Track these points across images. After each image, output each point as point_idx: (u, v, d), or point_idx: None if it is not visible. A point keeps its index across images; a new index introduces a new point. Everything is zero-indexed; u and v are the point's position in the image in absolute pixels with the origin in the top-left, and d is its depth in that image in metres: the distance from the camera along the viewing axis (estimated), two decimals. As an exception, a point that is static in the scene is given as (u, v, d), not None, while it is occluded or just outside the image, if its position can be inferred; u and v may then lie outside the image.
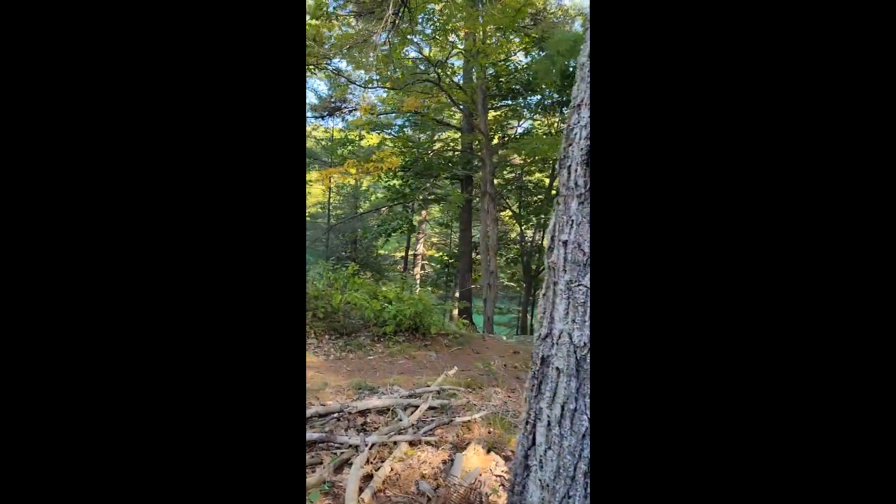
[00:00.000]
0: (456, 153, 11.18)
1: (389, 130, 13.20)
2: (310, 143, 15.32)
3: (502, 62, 7.54)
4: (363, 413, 3.12)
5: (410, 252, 19.74)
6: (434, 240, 22.98)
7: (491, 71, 8.01)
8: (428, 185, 11.50)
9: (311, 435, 2.57)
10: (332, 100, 11.72)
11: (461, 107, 8.90)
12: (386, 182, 11.31)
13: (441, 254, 20.91)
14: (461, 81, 8.79)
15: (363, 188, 17.15)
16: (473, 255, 12.94)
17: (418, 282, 16.84)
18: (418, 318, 5.18)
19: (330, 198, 13.87)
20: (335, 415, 3.03)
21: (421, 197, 11.56)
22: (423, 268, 20.16)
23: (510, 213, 14.29)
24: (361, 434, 2.72)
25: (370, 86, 9.29)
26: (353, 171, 7.14)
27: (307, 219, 15.98)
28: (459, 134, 13.13)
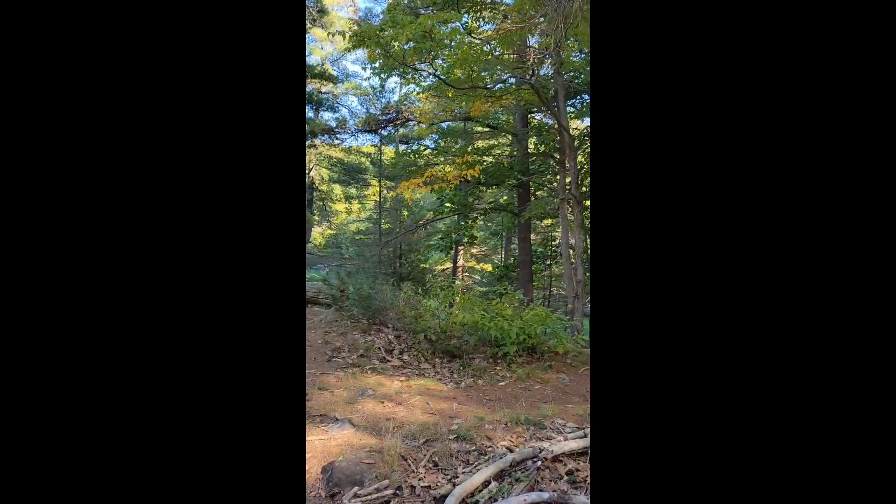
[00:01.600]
0: (512, 159, 10.69)
1: (425, 142, 12.94)
2: (359, 159, 15.14)
3: (583, 56, 7.03)
4: (557, 459, 2.59)
5: (449, 264, 19.28)
6: (473, 251, 22.28)
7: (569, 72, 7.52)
8: (487, 194, 11.04)
9: (538, 496, 2.06)
10: (382, 113, 11.47)
11: (537, 109, 8.45)
12: (441, 193, 10.88)
13: (488, 266, 20.35)
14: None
15: (405, 199, 16.90)
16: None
17: (458, 295, 16.34)
18: (536, 338, 4.64)
19: (381, 213, 13.59)
20: (530, 461, 2.51)
21: (479, 207, 11.08)
22: (463, 280, 19.62)
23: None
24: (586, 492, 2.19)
25: (434, 90, 8.92)
26: (434, 180, 6.71)
27: (359, 237, 15.72)
28: (509, 139, 12.79)
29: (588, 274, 7.91)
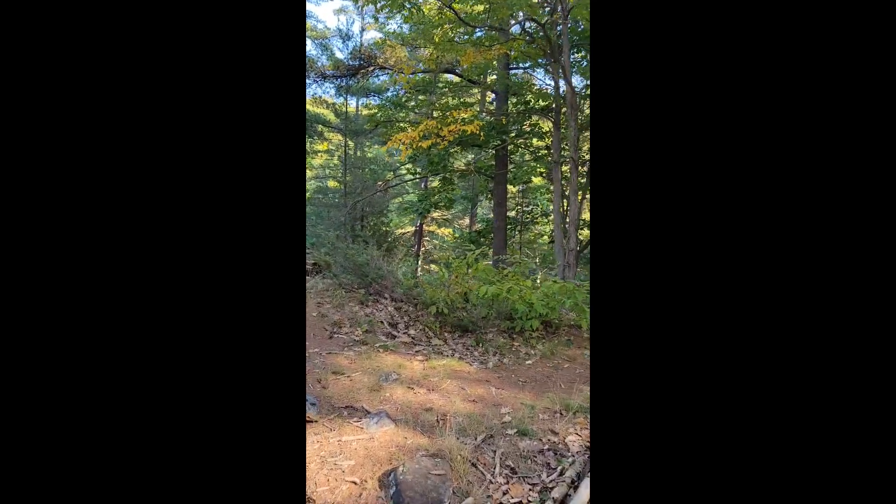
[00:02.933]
0: (497, 118, 10.09)
1: (386, 95, 11.82)
2: (320, 109, 13.79)
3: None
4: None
5: (411, 228, 18.70)
6: (435, 215, 21.68)
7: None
8: (471, 156, 10.43)
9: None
10: (355, 57, 10.31)
11: (541, 61, 7.83)
12: (419, 151, 10.16)
13: (448, 231, 19.91)
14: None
15: (370, 156, 15.81)
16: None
17: (419, 260, 15.90)
18: (557, 312, 4.32)
19: (346, 171, 12.55)
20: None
21: (456, 169, 10.47)
22: (424, 245, 19.09)
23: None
24: None
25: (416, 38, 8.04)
26: (434, 133, 5.99)
27: (319, 195, 14.60)
28: (481, 97, 12.07)
29: (580, 240, 7.69)
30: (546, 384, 3.38)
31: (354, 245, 5.13)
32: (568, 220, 7.16)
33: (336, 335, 3.93)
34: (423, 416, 2.64)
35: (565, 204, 7.65)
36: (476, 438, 2.40)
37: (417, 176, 11.20)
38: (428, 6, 6.44)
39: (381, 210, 14.99)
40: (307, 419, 2.44)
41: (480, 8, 6.91)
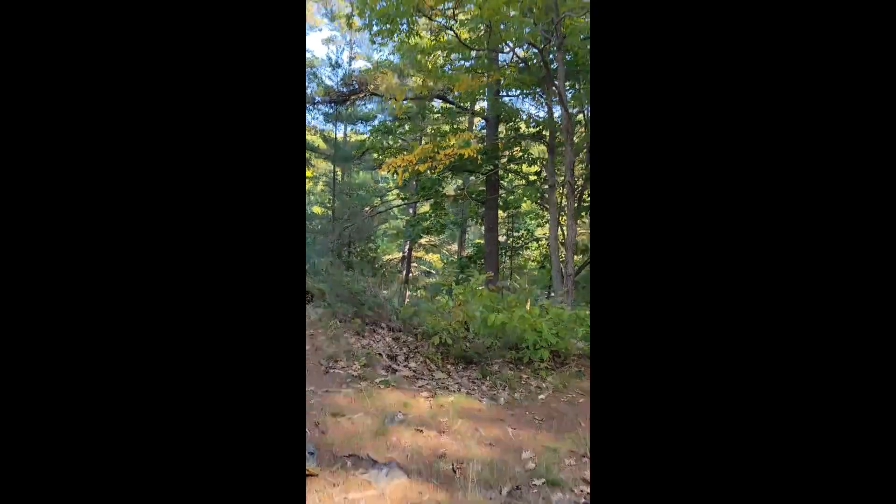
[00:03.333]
0: (488, 143, 10.05)
1: (373, 122, 11.76)
2: (309, 136, 13.66)
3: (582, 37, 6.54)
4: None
5: (398, 254, 18.43)
6: (423, 241, 21.41)
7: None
8: (462, 181, 10.33)
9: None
10: (345, 84, 10.26)
11: (533, 87, 7.85)
12: (409, 177, 10.03)
13: (436, 256, 19.65)
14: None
15: (357, 182, 15.63)
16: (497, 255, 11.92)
17: (404, 285, 15.58)
18: (566, 340, 4.09)
19: (335, 196, 12.34)
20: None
21: (451, 194, 10.35)
22: (411, 271, 18.69)
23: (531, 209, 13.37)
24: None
25: (409, 68, 8.02)
26: (429, 158, 5.85)
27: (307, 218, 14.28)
28: (470, 122, 12.11)
29: (578, 267, 7.55)
30: (564, 422, 3.11)
31: (349, 272, 4.86)
32: (565, 244, 7.03)
33: (332, 370, 3.62)
34: (436, 465, 2.34)
35: (564, 229, 7.54)
36: (501, 492, 2.11)
37: (406, 202, 11.04)
38: (420, 36, 6.43)
39: (368, 236, 14.73)
40: (307, 473, 2.13)
41: (474, 35, 6.94)
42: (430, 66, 7.33)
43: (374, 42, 6.53)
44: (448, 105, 10.43)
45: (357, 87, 9.96)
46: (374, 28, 5.46)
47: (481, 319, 3.83)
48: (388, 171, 5.77)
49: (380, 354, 4.06)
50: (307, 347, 3.89)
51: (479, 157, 7.25)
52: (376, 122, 12.56)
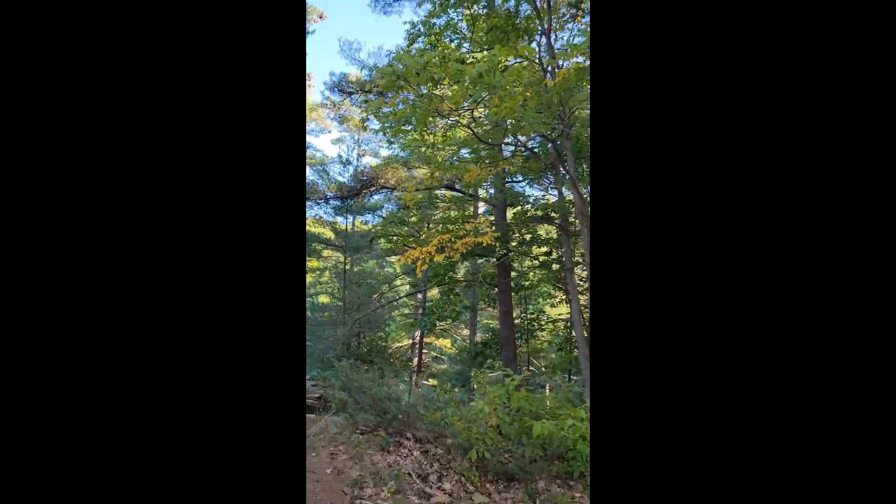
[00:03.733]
0: (499, 228, 10.12)
1: (380, 213, 12.02)
2: (319, 229, 13.89)
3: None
4: None
5: (408, 342, 17.88)
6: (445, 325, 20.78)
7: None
8: (470, 265, 10.25)
9: None
10: (357, 179, 10.62)
11: (541, 174, 8.04)
12: (426, 268, 9.96)
13: (447, 342, 19.03)
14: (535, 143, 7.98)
15: (365, 269, 15.58)
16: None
17: (415, 375, 14.85)
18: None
19: (345, 286, 12.22)
20: None
21: (461, 280, 10.21)
22: (421, 358, 17.91)
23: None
24: None
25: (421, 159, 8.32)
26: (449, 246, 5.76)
27: (316, 314, 14.01)
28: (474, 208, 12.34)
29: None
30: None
31: (368, 374, 4.50)
32: (587, 326, 6.67)
33: (359, 500, 3.14)
34: None
35: (587, 314, 7.24)
36: None
37: (416, 289, 10.89)
38: (432, 134, 6.74)
39: (378, 325, 14.35)
40: None
41: (483, 129, 7.26)
42: (439, 159, 7.56)
43: (390, 143, 6.80)
44: (454, 193, 10.68)
45: (367, 181, 10.29)
46: (388, 130, 5.67)
47: (523, 428, 3.40)
48: (406, 262, 5.66)
49: (410, 474, 3.57)
50: (328, 471, 3.43)
51: (495, 242, 7.21)
52: (383, 212, 12.88)
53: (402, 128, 5.38)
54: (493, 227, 10.15)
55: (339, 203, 12.03)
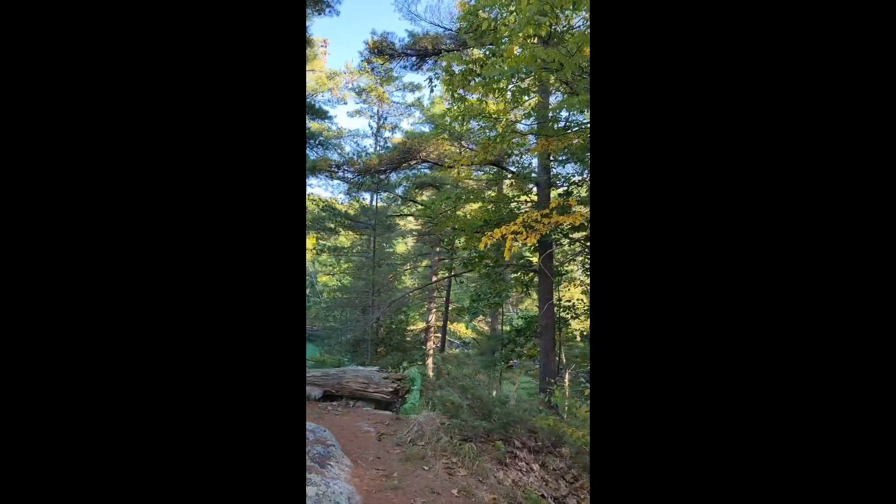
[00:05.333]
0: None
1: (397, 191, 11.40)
2: (345, 207, 13.15)
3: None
4: None
5: (422, 325, 17.35)
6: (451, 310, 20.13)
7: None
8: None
9: None
10: (398, 152, 9.84)
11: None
12: (516, 250, 9.27)
13: (461, 326, 18.52)
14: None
15: (388, 251, 14.90)
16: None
17: (430, 362, 14.35)
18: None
19: (374, 269, 11.54)
20: None
21: (510, 263, 9.56)
22: (444, 344, 17.34)
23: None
24: None
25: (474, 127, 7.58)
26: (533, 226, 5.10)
27: (343, 295, 13.37)
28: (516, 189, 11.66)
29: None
30: None
31: (467, 372, 3.88)
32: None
33: (506, 534, 2.54)
34: None
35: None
36: None
37: (453, 273, 10.29)
38: (502, 93, 6.02)
39: (400, 308, 13.77)
40: None
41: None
42: (501, 130, 6.84)
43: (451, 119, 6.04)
44: (501, 170, 9.96)
45: (409, 153, 9.53)
46: (482, 86, 4.93)
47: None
48: (487, 242, 5.03)
49: (544, 497, 2.99)
50: (454, 491, 2.83)
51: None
52: (402, 189, 12.10)
53: (487, 83, 4.65)
54: (540, 207, 9.51)
55: (363, 178, 11.26)
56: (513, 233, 4.91)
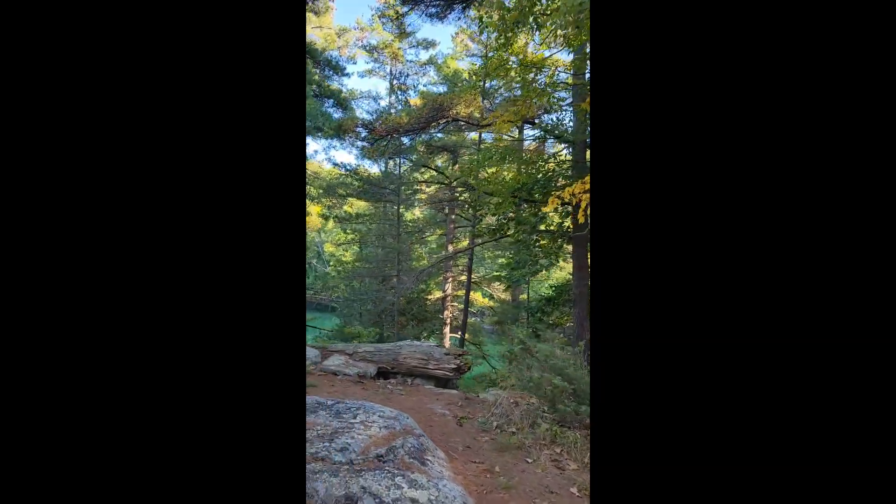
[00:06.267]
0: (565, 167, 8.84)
1: (410, 155, 10.71)
2: (364, 172, 12.51)
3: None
4: None
5: (439, 294, 17.00)
6: (472, 278, 19.67)
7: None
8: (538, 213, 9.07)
9: None
10: (428, 110, 9.13)
11: None
12: (495, 210, 8.76)
13: (478, 294, 18.19)
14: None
15: (407, 220, 14.39)
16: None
17: (448, 331, 14.06)
18: None
19: (399, 238, 11.07)
20: None
21: (546, 230, 9.04)
22: (467, 316, 17.03)
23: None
24: None
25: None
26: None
27: (365, 265, 12.93)
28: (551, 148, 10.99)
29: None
30: None
31: (550, 347, 3.45)
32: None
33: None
34: None
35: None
36: None
37: (484, 241, 9.79)
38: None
39: (422, 279, 13.40)
40: None
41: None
42: (548, 79, 6.18)
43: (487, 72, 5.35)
44: (533, 131, 9.29)
45: (438, 112, 8.84)
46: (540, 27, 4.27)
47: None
48: (562, 200, 4.52)
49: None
50: (573, 490, 2.43)
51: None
52: (418, 150, 11.41)
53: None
54: (572, 169, 8.89)
55: (387, 141, 10.60)
56: (584, 192, 4.37)
